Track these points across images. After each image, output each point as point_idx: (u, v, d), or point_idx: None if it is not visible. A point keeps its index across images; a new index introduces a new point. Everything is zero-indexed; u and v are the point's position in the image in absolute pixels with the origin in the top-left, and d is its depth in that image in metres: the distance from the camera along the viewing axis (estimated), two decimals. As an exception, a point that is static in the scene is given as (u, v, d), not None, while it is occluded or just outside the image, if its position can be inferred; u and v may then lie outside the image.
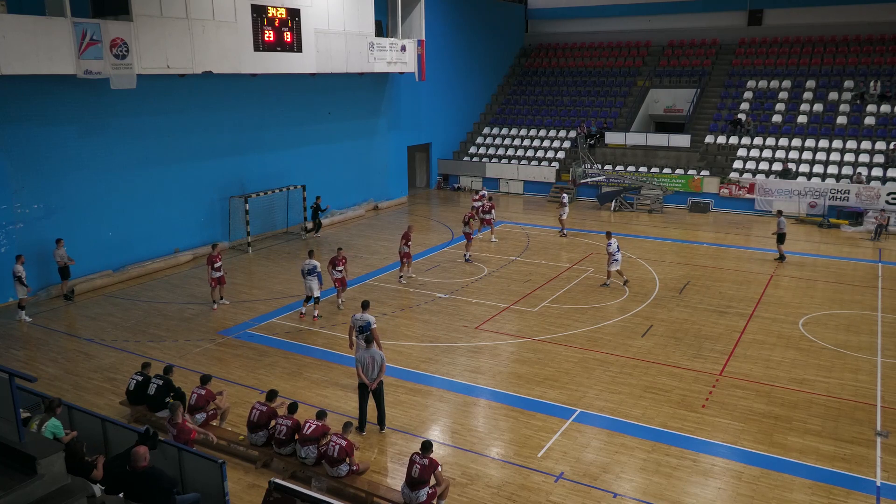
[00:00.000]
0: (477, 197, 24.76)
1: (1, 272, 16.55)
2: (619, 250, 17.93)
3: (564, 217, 23.60)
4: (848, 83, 30.52)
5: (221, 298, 16.78)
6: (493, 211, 23.17)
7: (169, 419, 9.41)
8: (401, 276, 18.63)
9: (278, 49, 21.28)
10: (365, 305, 12.48)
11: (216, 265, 16.22)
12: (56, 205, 17.59)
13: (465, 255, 20.68)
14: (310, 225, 24.06)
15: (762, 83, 32.02)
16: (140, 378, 10.91)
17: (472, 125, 36.01)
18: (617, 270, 18.00)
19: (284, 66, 21.72)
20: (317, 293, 15.65)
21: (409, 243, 18.44)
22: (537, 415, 11.41)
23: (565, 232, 23.74)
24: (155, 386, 10.65)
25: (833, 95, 30.30)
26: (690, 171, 29.12)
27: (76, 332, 15.28)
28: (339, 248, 16.99)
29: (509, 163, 32.61)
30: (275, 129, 23.71)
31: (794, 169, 27.81)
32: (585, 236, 23.78)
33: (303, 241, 23.15)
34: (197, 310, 16.54)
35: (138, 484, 7.39)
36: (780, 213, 21.21)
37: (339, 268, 16.23)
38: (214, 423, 10.56)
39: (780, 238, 20.48)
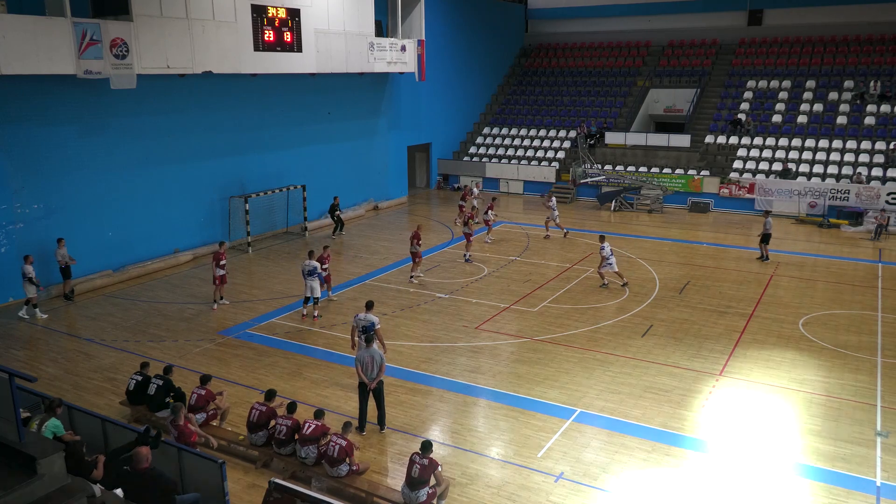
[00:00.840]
0: (464, 192, 24.92)
1: (1, 272, 16.56)
2: (612, 254, 17.93)
3: (558, 221, 23.44)
4: (848, 83, 30.52)
5: (221, 298, 16.79)
6: (489, 212, 23.01)
7: (171, 420, 9.42)
8: (412, 277, 18.64)
9: (278, 49, 21.28)
10: (369, 306, 12.48)
11: (221, 262, 16.27)
12: (56, 205, 17.59)
13: (465, 255, 20.69)
14: (320, 224, 24.35)
15: (762, 83, 32.02)
16: (140, 378, 10.91)
17: (472, 125, 36.00)
18: (616, 272, 17.99)
19: (284, 66, 21.72)
20: (317, 293, 15.69)
21: (420, 242, 18.57)
22: (537, 415, 11.41)
23: (566, 231, 23.64)
24: (155, 386, 10.65)
25: (833, 95, 30.30)
26: (690, 171, 29.12)
27: (76, 332, 15.28)
28: (326, 247, 17.19)
29: (509, 163, 32.60)
30: (275, 129, 23.70)
31: (794, 169, 27.81)
32: (585, 236, 23.76)
33: (332, 240, 22.99)
34: (197, 310, 16.54)
35: (139, 485, 7.39)
36: (767, 213, 21.22)
37: (325, 265, 16.32)
38: (214, 423, 10.56)
39: (766, 238, 20.45)
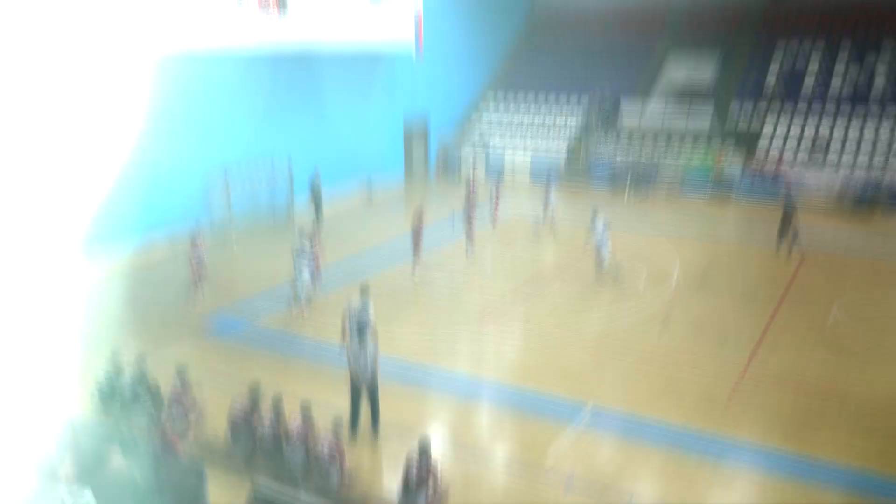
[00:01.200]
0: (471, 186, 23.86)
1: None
2: (605, 229, 16.69)
3: (550, 212, 22.12)
4: (885, 52, 28.73)
5: (201, 292, 15.83)
6: (495, 208, 21.92)
7: (153, 423, 9.15)
8: (414, 270, 17.84)
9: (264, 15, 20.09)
10: (364, 291, 11.64)
11: (200, 253, 15.62)
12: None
13: (466, 251, 19.81)
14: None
15: (791, 50, 30.34)
16: (112, 371, 10.36)
17: (474, 109, 34.58)
18: (597, 258, 16.91)
19: (271, 33, 20.50)
20: (308, 288, 15.00)
21: (422, 235, 17.86)
22: (543, 414, 10.80)
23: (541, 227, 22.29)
24: (129, 382, 10.17)
25: (868, 62, 28.48)
26: (712, 147, 27.82)
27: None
28: (314, 236, 16.31)
29: (513, 150, 31.34)
30: (265, 112, 22.56)
31: (825, 145, 26.31)
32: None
33: (318, 226, 22.10)
34: (177, 304, 15.59)
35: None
36: (786, 196, 19.88)
37: (314, 250, 15.61)
38: (195, 424, 10.07)
39: (786, 225, 18.74)
